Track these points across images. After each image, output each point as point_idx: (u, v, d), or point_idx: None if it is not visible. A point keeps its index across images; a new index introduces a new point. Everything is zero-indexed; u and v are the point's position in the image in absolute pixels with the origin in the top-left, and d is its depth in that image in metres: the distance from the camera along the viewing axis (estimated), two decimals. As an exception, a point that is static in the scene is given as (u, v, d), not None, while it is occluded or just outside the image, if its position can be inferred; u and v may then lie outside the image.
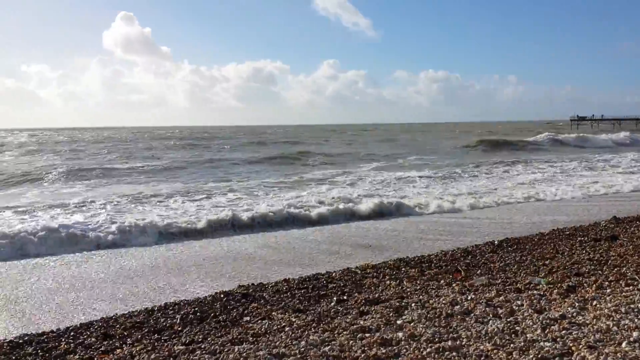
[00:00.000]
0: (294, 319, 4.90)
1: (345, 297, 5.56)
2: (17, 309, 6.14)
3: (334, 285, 6.10)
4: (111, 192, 16.80)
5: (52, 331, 5.12)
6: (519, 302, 4.87)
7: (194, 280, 7.10)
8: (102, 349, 4.51)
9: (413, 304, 5.04)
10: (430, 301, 5.12)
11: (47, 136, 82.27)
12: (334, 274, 6.62)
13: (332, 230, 10.62)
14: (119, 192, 16.58)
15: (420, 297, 5.32)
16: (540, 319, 4.35)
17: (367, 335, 4.28)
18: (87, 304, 6.24)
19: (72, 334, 4.95)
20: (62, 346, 4.63)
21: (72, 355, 4.41)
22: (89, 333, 4.93)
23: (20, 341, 4.83)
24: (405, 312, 4.86)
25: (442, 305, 4.95)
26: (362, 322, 4.62)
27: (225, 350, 4.17)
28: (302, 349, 4.04)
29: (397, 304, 5.12)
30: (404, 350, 3.92)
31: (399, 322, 4.56)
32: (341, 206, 12.71)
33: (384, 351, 3.91)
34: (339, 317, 4.87)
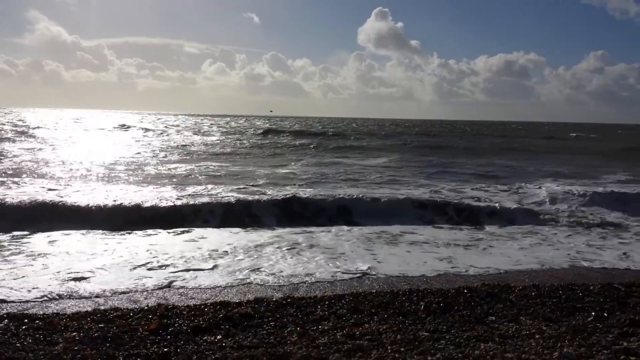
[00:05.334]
0: (544, 327, 4.60)
1: (605, 314, 5.02)
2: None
3: (592, 299, 5.54)
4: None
5: (310, 297, 5.69)
6: None
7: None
8: (352, 321, 4.84)
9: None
10: None
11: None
12: (591, 287, 6.00)
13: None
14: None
15: None
16: None
17: (632, 358, 3.88)
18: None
19: (326, 303, 5.42)
20: (318, 312, 5.10)
21: (326, 322, 4.83)
22: (340, 304, 5.34)
23: (284, 302, 5.46)
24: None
25: None
26: (625, 344, 4.17)
27: (471, 345, 4.11)
28: (555, 360, 3.77)
29: (673, 331, 4.45)
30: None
31: (675, 351, 3.98)
32: None
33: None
34: (597, 334, 4.44)
